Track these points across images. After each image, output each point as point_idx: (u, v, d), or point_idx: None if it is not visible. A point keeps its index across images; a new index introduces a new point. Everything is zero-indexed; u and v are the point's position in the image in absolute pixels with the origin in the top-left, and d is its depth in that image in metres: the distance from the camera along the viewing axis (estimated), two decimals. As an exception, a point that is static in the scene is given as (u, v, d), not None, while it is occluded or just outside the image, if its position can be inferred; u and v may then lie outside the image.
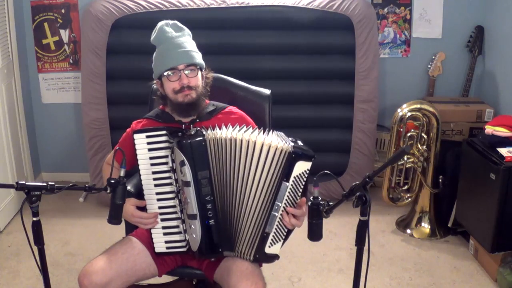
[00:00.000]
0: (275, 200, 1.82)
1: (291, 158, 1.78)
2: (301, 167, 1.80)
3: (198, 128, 1.91)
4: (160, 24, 2.01)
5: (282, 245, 1.93)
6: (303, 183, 1.83)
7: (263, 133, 1.87)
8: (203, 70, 2.04)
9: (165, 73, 1.96)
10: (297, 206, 1.85)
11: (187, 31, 2.03)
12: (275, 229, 1.86)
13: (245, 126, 1.91)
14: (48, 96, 3.86)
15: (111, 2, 3.39)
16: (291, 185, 1.81)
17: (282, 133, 1.93)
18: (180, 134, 1.89)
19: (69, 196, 3.73)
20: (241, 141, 1.83)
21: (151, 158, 1.91)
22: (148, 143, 1.91)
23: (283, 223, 1.85)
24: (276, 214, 1.83)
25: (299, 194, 1.85)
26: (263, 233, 1.85)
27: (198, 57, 2.00)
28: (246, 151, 1.83)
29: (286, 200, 1.83)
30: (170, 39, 1.97)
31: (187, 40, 1.99)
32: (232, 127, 1.89)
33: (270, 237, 1.86)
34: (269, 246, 1.87)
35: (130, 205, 1.95)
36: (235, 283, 1.81)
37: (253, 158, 1.82)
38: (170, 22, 2.01)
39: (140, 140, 1.91)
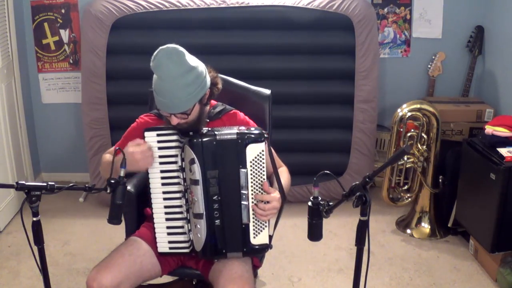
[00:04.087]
0: (240, 189, 1.85)
1: (238, 144, 1.83)
2: (254, 150, 1.84)
3: (209, 128, 1.91)
4: (160, 53, 1.80)
5: (272, 233, 1.95)
6: (264, 164, 1.85)
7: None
8: (202, 98, 1.89)
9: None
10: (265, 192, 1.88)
11: (187, 65, 1.81)
12: (253, 218, 1.88)
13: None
14: (48, 96, 3.86)
15: (111, 2, 3.39)
16: (250, 170, 1.84)
17: (233, 126, 1.93)
18: (191, 133, 1.89)
19: (69, 196, 3.73)
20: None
21: (160, 156, 1.92)
22: (159, 142, 1.92)
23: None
24: (246, 203, 1.86)
25: (263, 178, 1.87)
26: (241, 225, 1.88)
27: (188, 103, 1.83)
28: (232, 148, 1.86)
29: (252, 187, 1.86)
30: (164, 80, 1.80)
31: (181, 83, 1.80)
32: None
33: (251, 227, 1.88)
34: (254, 237, 1.89)
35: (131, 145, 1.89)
36: (223, 286, 1.83)
37: (229, 153, 1.85)
38: (173, 51, 1.81)
39: (151, 138, 1.92)
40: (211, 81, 1.94)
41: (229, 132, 1.86)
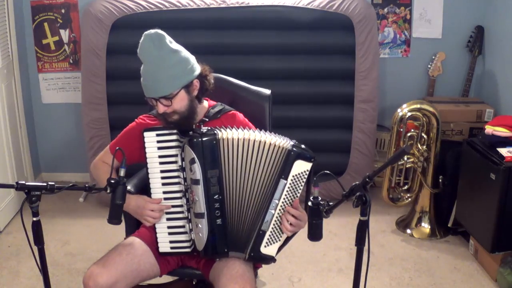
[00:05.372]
0: (272, 197, 1.84)
1: (290, 156, 1.82)
2: (300, 166, 1.83)
3: (210, 128, 1.91)
4: (143, 38, 1.88)
5: (280, 249, 1.94)
6: (302, 184, 1.85)
7: (270, 134, 1.89)
8: (189, 86, 1.91)
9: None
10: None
11: (168, 47, 1.86)
12: (272, 228, 1.87)
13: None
14: (48, 96, 3.86)
15: (111, 2, 3.39)
16: (290, 183, 1.83)
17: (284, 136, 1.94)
18: (191, 133, 1.89)
19: (69, 196, 3.73)
20: (254, 141, 1.85)
21: (160, 156, 1.92)
22: (158, 142, 1.92)
23: (280, 223, 1.86)
24: (273, 211, 1.85)
25: (297, 196, 1.86)
26: (259, 231, 1.87)
27: (170, 85, 1.85)
28: (254, 151, 1.85)
29: (284, 199, 1.85)
30: (147, 63, 1.87)
31: (163, 64, 1.84)
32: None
33: (267, 236, 1.87)
34: (265, 246, 1.88)
35: (142, 199, 1.95)
36: (224, 285, 1.82)
37: (258, 156, 1.85)
38: (154, 35, 1.86)
39: (150, 139, 1.92)
40: (201, 72, 1.94)
41: (285, 140, 1.86)
